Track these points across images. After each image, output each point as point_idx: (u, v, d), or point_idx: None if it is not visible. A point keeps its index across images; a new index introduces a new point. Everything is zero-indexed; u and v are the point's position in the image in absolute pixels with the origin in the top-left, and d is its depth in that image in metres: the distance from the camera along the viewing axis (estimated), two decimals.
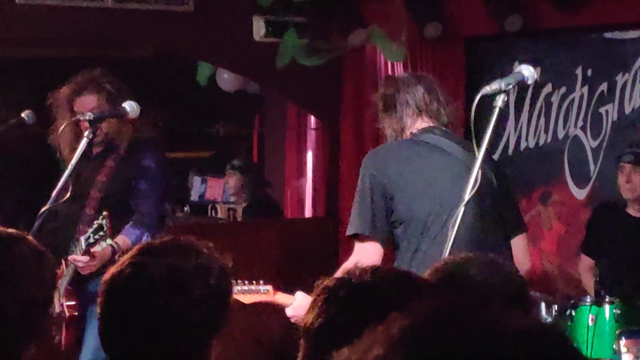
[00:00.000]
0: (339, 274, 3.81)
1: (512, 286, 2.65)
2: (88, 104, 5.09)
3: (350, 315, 2.18)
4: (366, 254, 4.59)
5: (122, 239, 5.02)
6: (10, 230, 2.55)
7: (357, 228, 4.61)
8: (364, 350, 1.04)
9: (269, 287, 4.98)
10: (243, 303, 5.00)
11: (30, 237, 2.61)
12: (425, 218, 4.52)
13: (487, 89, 3.83)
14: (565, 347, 1.08)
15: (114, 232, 4.95)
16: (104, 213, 4.82)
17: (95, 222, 4.83)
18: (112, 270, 2.41)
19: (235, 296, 5.03)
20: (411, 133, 4.63)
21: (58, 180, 4.55)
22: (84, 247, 4.86)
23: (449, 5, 6.71)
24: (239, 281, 5.09)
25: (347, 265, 4.65)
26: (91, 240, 4.80)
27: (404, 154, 4.62)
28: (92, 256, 4.86)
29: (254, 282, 4.97)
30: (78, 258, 4.92)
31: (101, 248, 4.85)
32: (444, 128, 4.66)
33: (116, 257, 4.99)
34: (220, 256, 2.47)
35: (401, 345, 1.02)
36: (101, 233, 4.78)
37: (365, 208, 4.57)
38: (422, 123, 4.62)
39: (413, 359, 1.02)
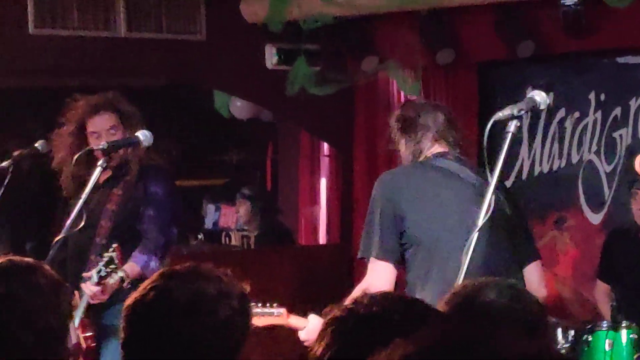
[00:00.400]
0: (349, 300, 3.82)
1: (531, 311, 2.64)
2: (105, 123, 5.13)
3: (357, 346, 2.16)
4: (378, 276, 4.63)
5: (130, 267, 5.02)
6: (27, 259, 2.55)
7: (368, 250, 4.64)
8: None
9: (283, 310, 4.99)
10: (257, 326, 5.01)
11: (47, 267, 2.60)
12: (436, 242, 4.53)
13: (500, 115, 3.83)
14: None
15: (124, 258, 4.97)
16: (114, 246, 4.85)
17: (105, 254, 4.85)
18: (135, 295, 2.41)
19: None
20: (426, 157, 4.65)
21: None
22: (96, 279, 4.87)
23: (461, 31, 6.71)
24: (253, 304, 5.10)
25: (360, 286, 4.69)
26: (102, 273, 4.83)
27: (417, 177, 4.64)
28: (104, 288, 4.87)
29: (268, 304, 4.99)
30: (91, 288, 4.90)
31: (113, 280, 4.85)
32: (457, 154, 4.67)
33: (124, 285, 5.06)
34: (238, 282, 2.47)
35: None
36: (112, 266, 4.81)
37: (375, 229, 4.59)
38: (438, 148, 4.63)
39: None
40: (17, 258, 2.55)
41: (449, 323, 2.46)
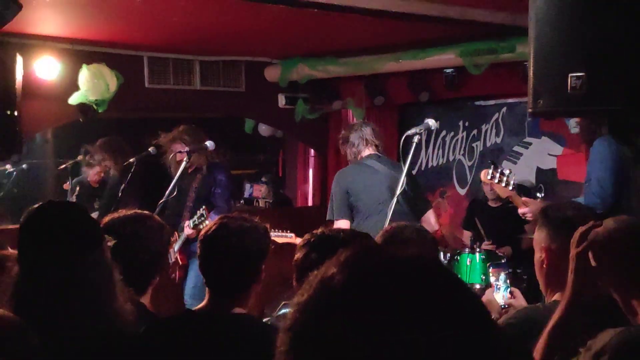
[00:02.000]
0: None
1: (429, 241, 2.57)
2: (177, 147, 5.08)
3: (319, 253, 2.09)
4: (340, 227, 4.67)
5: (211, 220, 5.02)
6: (145, 212, 2.50)
7: (334, 215, 4.68)
8: (325, 270, 0.90)
9: (292, 234, 5.01)
10: (277, 242, 5.03)
11: (156, 216, 2.56)
12: (365, 206, 4.59)
13: (408, 132, 3.91)
14: (439, 267, 0.91)
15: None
16: (203, 207, 4.79)
17: (197, 211, 4.80)
18: (204, 229, 2.37)
19: (273, 238, 5.08)
20: (361, 157, 4.69)
21: (168, 185, 4.62)
22: (191, 225, 4.82)
23: (388, 85, 6.75)
24: (275, 229, 5.12)
25: None
26: (196, 222, 4.79)
27: (353, 173, 4.70)
28: (195, 230, 4.81)
29: (283, 230, 5.01)
30: (187, 231, 4.91)
31: (202, 226, 4.71)
32: (379, 155, 4.72)
33: None
34: (263, 223, 2.43)
35: (344, 266, 0.89)
36: (202, 218, 4.75)
37: (337, 202, 4.64)
38: (368, 151, 4.69)
39: (351, 273, 0.88)
40: (138, 211, 2.49)
41: (371, 240, 2.39)
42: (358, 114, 6.90)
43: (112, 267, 1.77)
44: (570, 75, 2.30)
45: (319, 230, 2.13)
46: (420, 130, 3.88)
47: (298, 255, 2.04)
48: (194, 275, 5.04)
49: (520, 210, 3.82)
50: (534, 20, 2.41)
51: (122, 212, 2.40)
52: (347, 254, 0.91)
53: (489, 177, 3.84)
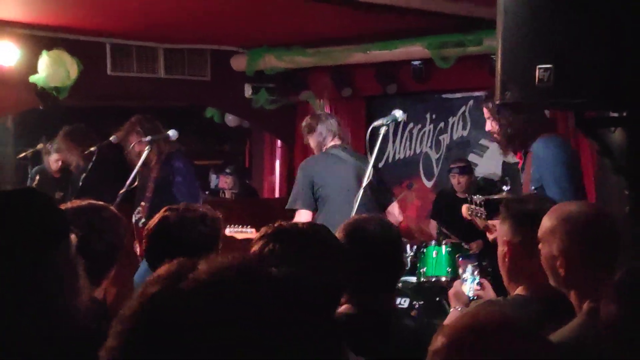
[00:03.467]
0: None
1: (394, 234, 2.49)
2: (134, 139, 4.93)
3: (279, 244, 1.94)
4: (301, 218, 4.62)
5: None
6: (100, 203, 2.38)
7: (295, 204, 4.62)
8: (144, 287, 0.93)
9: (253, 229, 4.94)
10: (236, 238, 4.94)
11: (112, 207, 2.44)
12: (331, 198, 4.54)
13: (375, 123, 3.85)
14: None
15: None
16: (141, 203, 4.67)
17: (137, 208, 4.69)
18: (149, 224, 2.37)
19: (232, 234, 5.00)
20: (325, 148, 4.65)
21: (129, 175, 4.52)
22: (133, 221, 4.71)
23: (355, 77, 6.72)
24: (235, 225, 5.03)
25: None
26: (135, 218, 4.69)
27: (320, 162, 4.66)
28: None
29: (243, 226, 4.93)
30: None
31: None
32: (345, 145, 4.68)
33: None
34: (215, 211, 2.40)
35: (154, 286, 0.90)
36: (139, 215, 4.65)
37: (300, 192, 4.59)
38: (333, 141, 4.64)
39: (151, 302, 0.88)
40: (92, 201, 2.37)
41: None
42: (317, 106, 6.84)
43: (76, 261, 1.66)
44: (537, 67, 2.27)
45: (277, 223, 2.04)
46: (387, 121, 3.84)
47: (255, 249, 1.94)
48: (143, 269, 4.96)
49: (490, 237, 3.68)
50: (502, 11, 2.38)
51: (76, 202, 2.30)
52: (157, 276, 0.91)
53: (469, 213, 3.74)
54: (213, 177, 9.21)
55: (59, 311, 1.58)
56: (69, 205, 2.27)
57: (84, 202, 2.31)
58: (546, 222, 2.07)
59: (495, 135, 3.90)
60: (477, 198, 3.65)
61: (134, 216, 4.48)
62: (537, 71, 2.27)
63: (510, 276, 2.31)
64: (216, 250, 2.31)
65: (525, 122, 3.74)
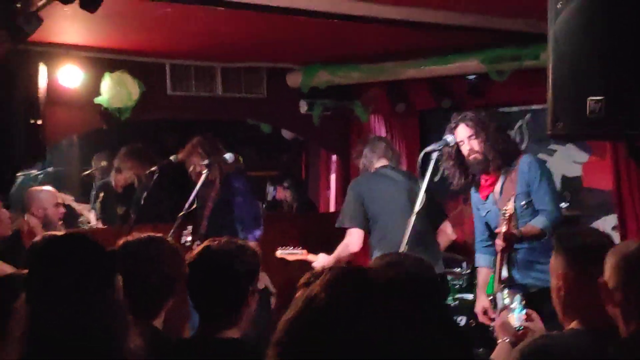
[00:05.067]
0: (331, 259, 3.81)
1: (426, 273, 2.46)
2: (195, 160, 5.01)
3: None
4: (352, 238, 4.65)
5: None
6: (158, 235, 2.44)
7: (345, 222, 4.65)
8: (310, 290, 1.01)
9: (304, 250, 5.01)
10: (287, 260, 5.00)
11: (169, 239, 2.49)
12: (382, 220, 4.56)
13: (427, 149, 3.92)
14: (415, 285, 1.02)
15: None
16: (186, 230, 4.76)
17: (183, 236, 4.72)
18: (190, 254, 2.39)
19: (282, 256, 5.06)
20: (375, 168, 4.68)
21: (189, 194, 4.61)
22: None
23: (410, 92, 6.71)
24: (285, 247, 5.11)
25: (342, 244, 4.68)
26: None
27: (371, 180, 4.69)
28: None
29: (293, 247, 4.99)
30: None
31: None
32: (393, 166, 4.70)
33: None
34: (252, 247, 2.43)
35: (327, 285, 0.97)
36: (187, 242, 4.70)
37: (350, 210, 4.63)
38: (382, 162, 4.68)
39: (333, 293, 0.95)
40: (152, 234, 2.42)
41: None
42: (363, 116, 6.86)
43: (123, 306, 1.74)
44: (589, 99, 2.26)
45: (318, 270, 2.05)
46: (439, 146, 3.87)
47: (299, 294, 1.99)
48: None
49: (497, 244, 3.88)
50: (552, 40, 2.37)
51: (136, 235, 2.41)
52: (329, 275, 0.99)
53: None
54: (270, 188, 9.29)
55: (109, 352, 1.66)
56: (129, 238, 2.37)
57: (143, 235, 2.40)
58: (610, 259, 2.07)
59: (474, 156, 4.03)
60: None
61: (182, 238, 4.53)
62: (588, 103, 2.26)
63: (565, 309, 2.30)
64: (255, 282, 2.35)
65: (508, 142, 3.99)
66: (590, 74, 2.26)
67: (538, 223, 3.98)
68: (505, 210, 3.81)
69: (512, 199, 3.81)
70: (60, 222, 5.02)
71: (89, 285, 1.71)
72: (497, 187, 4.19)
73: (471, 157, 4.16)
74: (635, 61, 2.19)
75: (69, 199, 6.27)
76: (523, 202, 4.05)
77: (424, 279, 2.30)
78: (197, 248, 2.41)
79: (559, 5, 2.33)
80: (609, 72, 2.23)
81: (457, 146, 4.19)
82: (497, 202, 4.17)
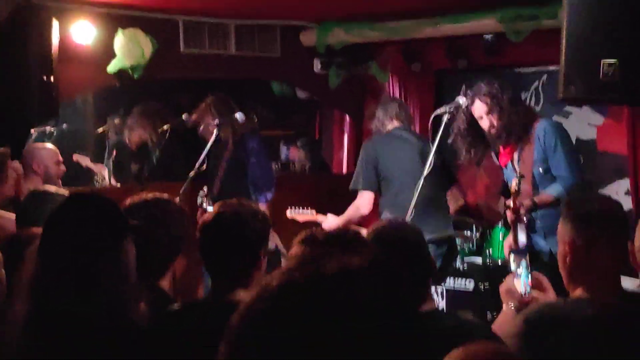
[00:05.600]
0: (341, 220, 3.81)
1: (412, 238, 2.37)
2: (207, 120, 4.96)
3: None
4: (363, 200, 4.65)
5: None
6: (164, 196, 2.46)
7: (358, 184, 4.65)
8: (270, 276, 0.95)
9: (313, 211, 5.03)
10: (298, 220, 5.02)
11: (175, 200, 2.51)
12: (395, 179, 4.55)
13: (438, 111, 3.90)
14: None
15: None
16: (204, 189, 4.56)
17: (200, 192, 4.57)
18: (202, 218, 2.40)
19: (293, 216, 5.07)
20: (388, 130, 4.66)
21: (201, 154, 4.60)
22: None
23: (425, 51, 6.64)
24: (295, 207, 5.11)
25: (353, 205, 4.69)
26: (199, 202, 4.57)
27: (384, 142, 4.68)
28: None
29: (303, 207, 5.00)
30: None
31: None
32: (406, 127, 4.67)
33: None
34: (263, 212, 2.46)
35: (283, 274, 0.92)
36: (201, 199, 4.51)
37: (363, 171, 4.62)
38: (395, 124, 4.65)
39: (287, 281, 0.91)
40: (157, 194, 2.45)
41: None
42: (381, 77, 6.78)
43: (131, 267, 1.76)
44: (602, 61, 2.21)
45: (313, 229, 2.05)
46: (450, 108, 3.84)
47: (293, 250, 2.03)
48: None
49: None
50: (567, 4, 2.31)
51: (142, 195, 2.41)
52: (290, 263, 0.94)
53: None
54: (284, 148, 9.29)
55: (112, 309, 1.68)
56: (134, 199, 2.38)
57: (149, 195, 2.42)
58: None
59: (493, 130, 4.03)
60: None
61: (198, 198, 4.55)
62: (602, 66, 2.21)
63: (570, 277, 2.29)
64: (266, 246, 2.38)
65: (523, 112, 3.94)
66: (605, 37, 2.21)
67: (553, 191, 3.99)
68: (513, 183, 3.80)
69: (515, 179, 3.76)
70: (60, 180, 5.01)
71: (100, 244, 1.74)
72: (516, 155, 4.21)
73: (492, 131, 4.17)
74: None
75: (85, 160, 6.31)
76: (540, 169, 4.05)
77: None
78: (210, 212, 2.42)
79: None
80: (623, 35, 2.18)
81: (468, 115, 4.17)
82: (516, 170, 4.17)
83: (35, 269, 1.74)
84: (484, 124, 4.17)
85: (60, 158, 4.74)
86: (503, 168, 4.35)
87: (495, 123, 4.16)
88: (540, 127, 4.09)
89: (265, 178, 5.09)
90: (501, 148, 4.30)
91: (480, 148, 4.28)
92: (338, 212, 4.95)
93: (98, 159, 6.80)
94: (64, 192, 3.26)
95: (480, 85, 4.32)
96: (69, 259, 1.72)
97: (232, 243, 2.30)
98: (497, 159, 4.35)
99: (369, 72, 6.83)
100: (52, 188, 3.45)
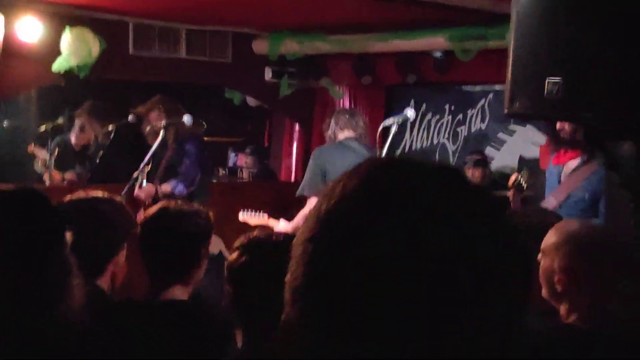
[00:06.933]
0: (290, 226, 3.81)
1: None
2: (154, 117, 4.99)
3: (252, 256, 1.90)
4: (312, 205, 4.62)
5: (164, 185, 4.95)
6: (101, 195, 2.38)
7: (305, 191, 4.64)
8: (345, 180, 0.83)
9: (265, 215, 5.01)
10: (250, 224, 5.00)
11: (116, 197, 2.45)
12: None
13: (386, 122, 3.91)
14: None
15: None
16: (141, 167, 4.70)
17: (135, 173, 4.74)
18: (145, 213, 2.38)
19: (245, 219, 5.05)
20: (339, 139, 4.68)
21: (145, 154, 4.55)
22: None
23: (376, 65, 6.68)
24: (247, 210, 5.09)
25: (301, 213, 4.69)
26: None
27: (333, 150, 4.69)
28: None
29: (255, 211, 4.98)
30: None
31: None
32: (357, 138, 4.68)
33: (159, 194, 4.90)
34: (206, 211, 2.43)
35: (364, 173, 0.82)
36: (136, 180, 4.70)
37: (311, 179, 4.62)
38: (346, 134, 4.67)
39: (372, 179, 0.80)
40: (94, 192, 2.39)
41: None
42: (336, 94, 6.81)
43: (71, 263, 1.70)
44: (547, 79, 2.24)
45: (254, 233, 2.02)
46: (398, 120, 3.86)
47: (232, 256, 1.96)
48: None
49: None
50: (514, 20, 2.35)
51: (80, 194, 2.35)
52: (364, 166, 0.84)
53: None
54: (232, 155, 9.22)
55: (52, 309, 1.62)
56: (72, 197, 2.32)
57: (85, 194, 2.35)
58: (551, 237, 2.07)
59: (562, 133, 4.08)
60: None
61: (135, 173, 4.52)
62: (546, 83, 2.25)
63: (556, 296, 2.28)
64: (207, 244, 2.36)
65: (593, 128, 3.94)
66: (550, 56, 2.25)
67: None
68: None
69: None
70: None
71: (37, 241, 1.67)
72: (571, 164, 4.28)
73: (561, 133, 4.25)
74: (594, 42, 2.18)
75: (42, 153, 6.14)
76: (586, 195, 4.15)
77: None
78: (152, 208, 2.39)
79: None
80: (568, 54, 2.22)
81: None
82: (560, 177, 4.30)
83: None
84: (558, 124, 4.21)
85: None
86: (551, 165, 4.42)
87: (566, 127, 4.18)
88: (601, 170, 4.09)
89: (187, 173, 5.06)
90: (562, 150, 4.32)
91: None
92: (286, 218, 4.96)
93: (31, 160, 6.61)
94: None
95: None
96: (4, 254, 1.65)
97: (172, 239, 2.26)
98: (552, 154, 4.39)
99: (322, 85, 6.85)
100: None
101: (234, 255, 1.94)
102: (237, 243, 1.97)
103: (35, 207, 1.74)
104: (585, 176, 4.17)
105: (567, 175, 4.27)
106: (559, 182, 4.32)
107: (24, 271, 1.63)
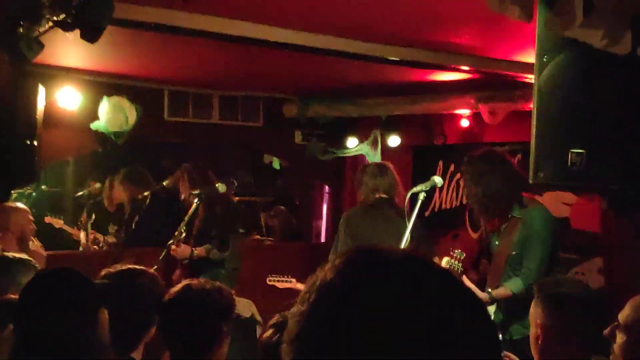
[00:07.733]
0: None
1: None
2: (183, 188, 5.09)
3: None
4: None
5: (199, 249, 5.00)
6: (137, 267, 2.45)
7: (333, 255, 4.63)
8: (322, 276, 0.86)
9: (293, 279, 4.98)
10: (278, 287, 4.99)
11: (149, 270, 2.49)
12: None
13: (415, 189, 3.86)
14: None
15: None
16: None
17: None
18: (168, 293, 2.37)
19: (273, 283, 5.04)
20: (369, 200, 4.66)
21: (180, 219, 4.61)
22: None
23: (403, 128, 6.75)
24: (276, 275, 5.09)
25: None
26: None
27: (362, 213, 4.66)
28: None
29: (284, 275, 4.97)
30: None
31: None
32: (388, 199, 4.66)
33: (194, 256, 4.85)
34: (227, 289, 2.44)
35: (342, 267, 0.85)
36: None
37: (339, 241, 4.61)
38: (377, 195, 4.65)
39: (349, 273, 0.84)
40: (131, 266, 2.43)
41: None
42: (371, 158, 6.89)
43: (102, 342, 1.76)
44: (570, 151, 2.29)
45: (287, 312, 2.04)
46: (427, 187, 3.85)
47: (266, 334, 1.99)
48: None
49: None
50: (537, 92, 2.41)
51: (116, 267, 2.41)
52: (341, 259, 0.88)
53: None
54: (262, 215, 9.25)
55: None
56: (109, 270, 2.37)
57: (124, 267, 2.41)
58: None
59: (472, 203, 4.00)
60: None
61: (170, 243, 4.60)
62: (569, 155, 2.29)
63: (542, 359, 2.31)
64: (230, 320, 2.37)
65: (508, 188, 3.89)
66: (573, 127, 2.30)
67: (512, 287, 3.90)
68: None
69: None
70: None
71: (74, 320, 1.74)
72: (502, 228, 4.13)
73: (469, 201, 4.20)
74: (616, 114, 2.23)
75: (59, 223, 6.25)
76: (514, 252, 3.97)
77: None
78: (175, 287, 2.41)
79: (544, 59, 2.38)
80: (590, 126, 2.27)
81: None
82: (500, 248, 4.13)
83: (13, 345, 1.73)
84: (465, 192, 4.16)
85: (31, 217, 4.73)
86: (491, 232, 4.28)
87: (473, 193, 4.11)
88: (531, 215, 3.97)
89: (219, 237, 5.10)
90: (483, 220, 4.24)
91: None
92: None
93: (74, 221, 6.74)
94: (23, 256, 3.20)
95: (467, 157, 4.33)
96: (44, 333, 1.71)
97: (194, 317, 2.28)
98: (480, 229, 4.31)
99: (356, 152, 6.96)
100: (9, 254, 3.39)
101: (268, 333, 1.97)
102: (271, 321, 1.99)
103: (72, 287, 1.82)
104: (513, 236, 4.06)
105: (500, 244, 4.20)
106: None
107: (59, 348, 1.69)
